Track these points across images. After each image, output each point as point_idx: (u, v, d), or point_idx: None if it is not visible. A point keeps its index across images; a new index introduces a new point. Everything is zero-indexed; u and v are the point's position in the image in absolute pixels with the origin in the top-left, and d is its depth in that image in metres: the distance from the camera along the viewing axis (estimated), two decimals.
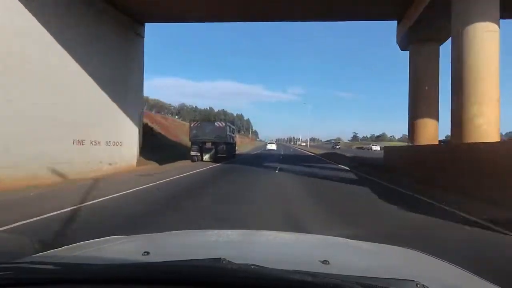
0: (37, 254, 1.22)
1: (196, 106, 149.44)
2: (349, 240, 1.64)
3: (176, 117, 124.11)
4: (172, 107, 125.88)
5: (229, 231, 2.16)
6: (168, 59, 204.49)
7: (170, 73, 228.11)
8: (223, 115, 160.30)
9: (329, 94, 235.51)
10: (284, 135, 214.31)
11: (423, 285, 0.78)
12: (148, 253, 1.10)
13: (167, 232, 1.76)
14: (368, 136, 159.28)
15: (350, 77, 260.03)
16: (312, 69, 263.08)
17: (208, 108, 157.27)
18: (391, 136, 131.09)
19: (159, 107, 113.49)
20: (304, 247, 1.61)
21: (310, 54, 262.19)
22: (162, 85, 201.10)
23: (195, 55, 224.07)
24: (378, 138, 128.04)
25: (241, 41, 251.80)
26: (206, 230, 1.98)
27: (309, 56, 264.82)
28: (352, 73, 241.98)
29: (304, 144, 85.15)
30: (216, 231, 2.02)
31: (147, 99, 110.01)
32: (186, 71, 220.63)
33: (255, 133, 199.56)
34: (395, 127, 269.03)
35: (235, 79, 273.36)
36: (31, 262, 0.99)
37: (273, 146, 42.67)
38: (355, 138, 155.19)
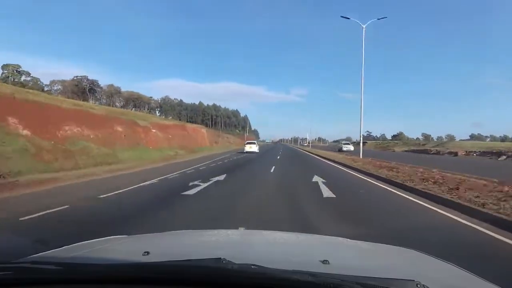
0: (37, 254, 1.22)
1: (181, 100, 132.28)
2: (349, 240, 1.64)
3: (158, 113, 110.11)
4: (153, 101, 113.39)
5: (229, 231, 2.16)
6: (170, 61, 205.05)
7: (172, 74, 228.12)
8: (214, 110, 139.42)
9: (332, 94, 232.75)
10: (287, 135, 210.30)
11: (423, 285, 0.78)
12: (148, 253, 1.10)
13: (167, 232, 1.76)
14: (378, 135, 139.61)
15: (353, 78, 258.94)
16: (315, 70, 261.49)
17: (197, 103, 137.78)
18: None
19: (135, 100, 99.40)
20: (304, 247, 1.61)
21: (312, 55, 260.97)
22: (164, 86, 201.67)
23: (198, 57, 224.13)
24: (396, 138, 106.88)
25: (243, 43, 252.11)
26: (206, 230, 1.98)
27: (312, 58, 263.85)
28: (356, 73, 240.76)
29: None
30: (216, 231, 2.01)
31: (118, 90, 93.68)
32: (189, 72, 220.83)
33: (255, 133, 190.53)
34: (407, 126, 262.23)
35: (238, 80, 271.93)
36: (31, 262, 0.99)
37: (252, 148, 30.06)
38: (368, 137, 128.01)
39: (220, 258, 0.86)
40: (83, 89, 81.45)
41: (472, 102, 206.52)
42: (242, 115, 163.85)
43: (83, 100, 52.16)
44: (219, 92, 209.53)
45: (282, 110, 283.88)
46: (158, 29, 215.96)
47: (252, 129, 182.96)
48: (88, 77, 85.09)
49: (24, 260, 1.06)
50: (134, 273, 0.89)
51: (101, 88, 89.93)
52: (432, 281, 0.89)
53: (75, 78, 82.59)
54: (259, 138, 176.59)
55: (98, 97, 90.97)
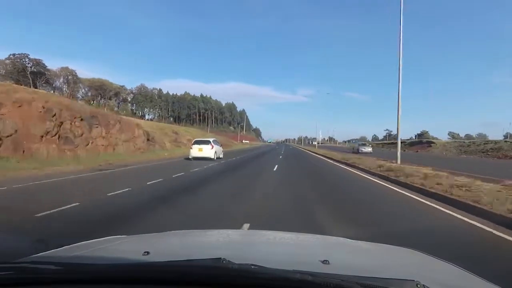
0: (37, 254, 1.22)
1: (160, 89, 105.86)
2: (349, 240, 1.64)
3: (132, 107, 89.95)
4: (125, 91, 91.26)
5: (229, 231, 2.16)
6: (177, 61, 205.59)
7: (178, 75, 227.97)
8: (202, 102, 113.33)
9: (338, 94, 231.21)
10: (293, 135, 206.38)
11: (423, 285, 0.78)
12: (148, 253, 1.10)
13: (167, 232, 1.76)
14: (393, 134, 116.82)
15: (357, 78, 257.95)
16: (321, 70, 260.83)
17: (182, 93, 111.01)
18: None
19: (99, 89, 78.89)
20: (304, 247, 1.61)
21: (319, 56, 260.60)
22: (169, 86, 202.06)
23: (204, 57, 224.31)
24: (422, 137, 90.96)
25: (249, 43, 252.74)
26: (206, 230, 1.98)
27: (318, 58, 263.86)
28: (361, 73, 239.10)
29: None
30: (216, 231, 2.01)
31: (73, 73, 70.65)
32: (195, 73, 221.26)
33: (257, 132, 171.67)
34: (425, 125, 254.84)
35: (244, 80, 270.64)
36: (31, 262, 0.99)
37: (205, 152, 19.32)
38: (389, 137, 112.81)
39: (220, 258, 0.86)
40: (22, 70, 62.60)
41: (483, 100, 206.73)
42: (239, 109, 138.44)
43: (25, 85, 28.28)
44: (225, 92, 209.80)
45: (288, 111, 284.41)
46: (163, 29, 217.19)
47: (254, 127, 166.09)
48: (30, 56, 64.31)
49: (24, 260, 1.06)
50: (134, 273, 0.89)
51: (49, 71, 68.84)
52: (432, 281, 0.89)
53: (11, 56, 62.48)
54: (261, 137, 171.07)
55: (51, 82, 69.69)
